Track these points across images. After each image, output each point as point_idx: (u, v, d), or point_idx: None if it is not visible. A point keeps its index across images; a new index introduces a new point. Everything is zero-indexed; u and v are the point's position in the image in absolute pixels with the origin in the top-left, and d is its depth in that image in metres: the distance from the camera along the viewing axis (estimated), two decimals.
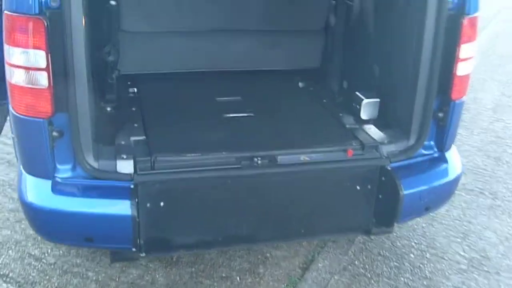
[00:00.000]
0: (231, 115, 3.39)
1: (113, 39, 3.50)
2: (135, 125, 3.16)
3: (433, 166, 3.17)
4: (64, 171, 2.76)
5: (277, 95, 3.76)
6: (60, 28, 2.48)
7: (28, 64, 2.51)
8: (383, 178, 2.94)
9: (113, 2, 3.39)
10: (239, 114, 3.41)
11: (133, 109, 3.42)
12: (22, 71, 2.53)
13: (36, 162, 2.75)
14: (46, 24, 2.44)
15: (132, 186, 2.70)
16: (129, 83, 3.75)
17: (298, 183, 2.92)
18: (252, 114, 3.42)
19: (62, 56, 2.51)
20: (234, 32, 3.73)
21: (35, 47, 2.48)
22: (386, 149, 3.04)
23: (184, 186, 2.81)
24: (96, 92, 3.37)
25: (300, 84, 3.99)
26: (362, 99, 3.34)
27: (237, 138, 3.09)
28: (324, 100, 3.67)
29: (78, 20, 2.51)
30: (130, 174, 2.72)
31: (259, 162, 2.85)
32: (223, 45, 3.74)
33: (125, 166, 2.75)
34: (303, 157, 2.94)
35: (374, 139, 3.10)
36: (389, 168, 2.96)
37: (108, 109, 3.45)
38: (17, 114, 2.63)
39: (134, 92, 3.69)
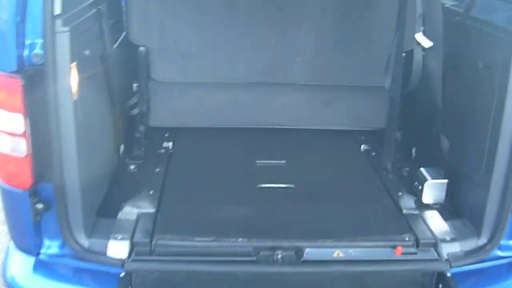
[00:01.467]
0: (267, 185, 2.87)
1: (141, 89, 3.11)
2: (151, 192, 2.73)
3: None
4: (51, 247, 2.39)
5: (331, 161, 3.18)
6: (43, 88, 2.09)
7: (5, 129, 2.15)
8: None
9: (142, 49, 2.99)
10: (277, 184, 2.88)
11: (157, 169, 2.99)
12: (0, 135, 2.18)
13: (19, 236, 2.40)
14: (23, 83, 2.06)
15: (122, 275, 2.25)
16: (161, 137, 3.33)
17: (328, 287, 2.33)
18: (291, 186, 2.87)
19: (45, 121, 2.12)
20: (280, 85, 3.21)
21: (12, 110, 2.11)
22: (447, 249, 2.39)
23: (186, 278, 2.32)
24: (124, 146, 3.01)
25: (363, 147, 3.37)
26: (426, 179, 2.69)
27: (261, 220, 2.56)
28: (385, 172, 3.02)
29: (64, 79, 2.12)
30: (121, 260, 2.27)
31: (280, 256, 2.31)
32: (267, 99, 3.24)
33: (118, 248, 2.31)
34: (337, 252, 2.35)
35: (433, 234, 2.44)
36: (449, 275, 2.30)
37: (132, 167, 3.05)
38: (0, 183, 2.29)
39: (164, 148, 3.26)
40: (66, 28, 2.11)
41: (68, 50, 2.12)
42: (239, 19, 2.97)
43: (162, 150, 3.25)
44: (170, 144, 3.30)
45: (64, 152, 2.19)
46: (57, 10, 2.11)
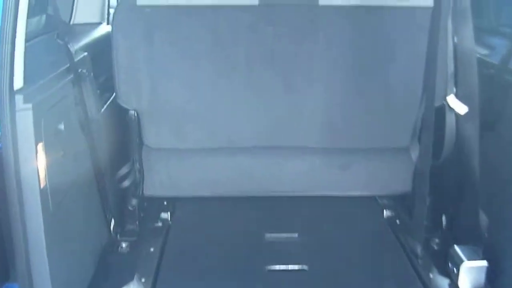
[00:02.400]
0: (277, 267, 2.48)
1: (134, 157, 2.75)
2: (143, 279, 2.36)
3: None
4: None
5: (350, 233, 2.79)
6: (1, 177, 1.76)
7: None
8: None
9: (132, 112, 2.65)
10: (289, 265, 2.49)
11: (152, 249, 2.61)
12: None
13: None
14: None
15: None
16: (157, 208, 2.96)
17: None
18: (305, 267, 2.47)
19: (6, 215, 1.78)
20: (289, 149, 2.83)
21: None
22: None
23: None
24: (115, 221, 2.66)
25: (386, 213, 2.97)
26: (462, 260, 2.28)
27: None
28: (412, 248, 2.61)
29: (27, 165, 1.78)
30: None
31: None
32: (275, 165, 2.86)
33: None
34: None
35: None
36: None
37: (124, 245, 2.67)
38: None
39: (161, 220, 2.88)
40: (28, 105, 1.77)
41: (32, 131, 1.78)
42: (240, 75, 2.59)
43: (159, 223, 2.87)
44: (168, 214, 2.94)
45: (32, 251, 1.83)
46: (18, 83, 1.78)
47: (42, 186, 1.85)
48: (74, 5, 3.37)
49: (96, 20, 3.42)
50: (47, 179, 1.89)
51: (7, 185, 1.76)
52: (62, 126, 2.07)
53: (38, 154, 1.82)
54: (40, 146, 1.84)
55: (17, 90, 1.76)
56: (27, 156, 1.78)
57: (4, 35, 1.70)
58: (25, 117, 1.77)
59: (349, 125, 2.71)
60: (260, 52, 2.52)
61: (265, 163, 2.84)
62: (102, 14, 3.48)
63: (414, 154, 2.57)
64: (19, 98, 1.75)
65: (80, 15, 3.43)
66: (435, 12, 2.13)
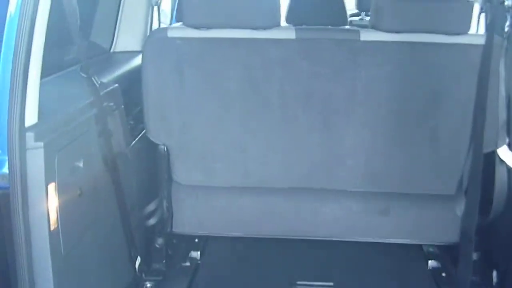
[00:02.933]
0: None
1: (162, 193, 2.64)
2: None
3: None
4: None
5: (391, 283, 2.58)
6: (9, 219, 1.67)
7: None
8: None
9: (162, 147, 2.54)
10: None
11: None
12: None
13: None
14: None
15: None
16: (187, 246, 2.84)
17: None
18: None
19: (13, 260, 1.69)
20: (325, 191, 2.64)
21: None
22: None
23: None
24: (141, 259, 2.55)
25: (431, 264, 2.74)
26: None
27: None
28: None
29: (36, 207, 1.69)
30: None
31: None
32: (309, 208, 2.68)
33: None
34: None
35: None
36: None
37: (148, 285, 2.57)
38: None
39: (190, 260, 2.75)
40: (39, 144, 1.68)
41: (42, 171, 1.68)
42: (273, 114, 2.43)
43: (187, 263, 2.74)
44: (198, 254, 2.80)
45: None
46: (31, 119, 1.69)
47: (52, 228, 1.75)
48: (115, 32, 3.33)
49: (137, 48, 3.36)
50: (59, 221, 1.79)
51: (14, 228, 1.67)
52: (81, 163, 1.98)
53: (49, 195, 1.72)
54: (52, 186, 1.74)
55: (29, 127, 1.67)
56: (36, 197, 1.69)
57: (16, 69, 1.61)
58: (35, 155, 1.67)
59: (391, 169, 2.51)
60: (295, 90, 2.36)
61: (299, 205, 2.67)
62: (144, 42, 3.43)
63: (459, 207, 2.34)
64: (30, 136, 1.66)
65: (121, 43, 3.40)
66: (486, 51, 1.92)
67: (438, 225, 2.68)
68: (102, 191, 2.20)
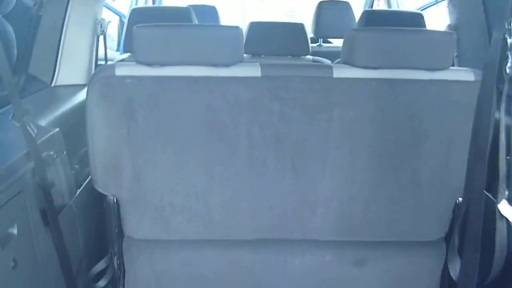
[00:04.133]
0: None
1: (112, 250, 2.33)
2: None
3: None
4: None
5: None
6: None
7: None
8: None
9: (111, 198, 2.24)
10: None
11: None
12: None
13: None
14: None
15: None
16: None
17: None
18: None
19: None
20: (296, 242, 2.39)
21: None
22: None
23: None
24: None
25: None
26: None
27: None
28: None
29: None
30: None
31: None
32: (279, 260, 2.41)
33: None
34: None
35: None
36: None
37: None
38: None
39: None
40: None
41: None
42: (239, 160, 2.14)
43: None
44: None
45: None
46: None
47: None
48: (57, 64, 3.01)
49: (81, 81, 3.05)
50: None
51: None
52: (14, 230, 1.66)
53: None
54: None
55: None
56: None
57: None
58: None
59: (367, 216, 2.28)
60: (264, 134, 2.09)
61: (268, 257, 2.40)
62: (89, 74, 3.11)
63: (454, 270, 2.11)
64: None
65: (64, 76, 3.07)
66: (485, 91, 1.70)
67: (418, 274, 2.46)
68: (42, 259, 1.88)
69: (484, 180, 1.72)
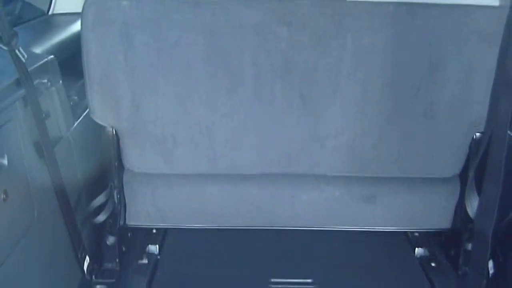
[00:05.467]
0: None
1: (112, 183, 2.25)
2: None
3: None
4: None
5: (373, 276, 2.29)
6: None
7: None
8: None
9: (110, 129, 2.13)
10: None
11: None
12: None
13: None
14: None
15: None
16: (143, 240, 2.47)
17: None
18: None
19: None
20: (304, 177, 2.29)
21: None
22: None
23: None
24: (91, 259, 2.18)
25: (418, 251, 2.46)
26: None
27: None
28: None
29: None
30: None
31: None
32: (285, 195, 2.33)
33: None
34: None
35: None
36: None
37: None
38: None
39: (149, 256, 2.40)
40: None
41: None
42: (245, 90, 2.01)
43: (144, 260, 2.38)
44: (156, 248, 2.44)
45: None
46: None
47: None
48: None
49: (80, 9, 2.89)
50: None
51: None
52: (4, 161, 1.57)
53: None
54: None
55: None
56: None
57: None
58: None
59: (379, 151, 2.17)
60: (271, 62, 1.95)
61: (274, 193, 2.31)
62: None
63: (471, 207, 2.02)
64: None
65: (62, 3, 2.92)
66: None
67: (430, 210, 2.38)
68: (37, 190, 1.80)
69: (510, 111, 1.59)
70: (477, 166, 2.07)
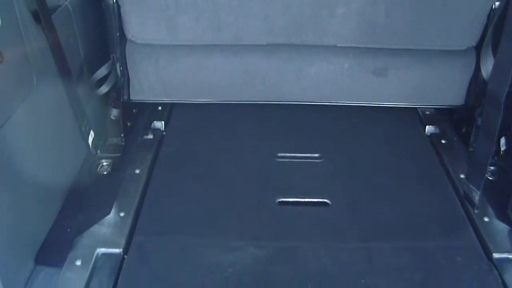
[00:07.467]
0: (290, 199, 1.98)
1: (114, 55, 2.18)
2: (121, 214, 1.89)
3: None
4: None
5: (381, 152, 2.26)
6: None
7: None
8: None
9: None
10: (306, 198, 1.99)
11: (137, 171, 2.11)
12: None
13: None
14: None
15: None
16: (149, 115, 2.44)
17: None
18: (327, 201, 1.97)
19: None
20: (312, 48, 2.20)
21: None
22: None
23: None
24: (95, 133, 2.16)
25: (428, 130, 2.41)
26: None
27: (281, 268, 1.70)
28: (462, 175, 2.08)
29: None
30: None
31: None
32: (294, 67, 2.26)
33: None
34: None
35: None
36: None
37: (104, 164, 2.19)
38: None
39: (153, 131, 2.37)
40: None
41: None
42: None
43: (150, 135, 2.36)
44: (162, 124, 2.41)
45: None
46: None
47: None
48: None
49: None
50: None
51: None
52: None
53: None
54: None
55: None
56: None
57: None
58: None
59: (392, 20, 2.06)
60: None
61: (281, 64, 2.24)
62: None
63: (486, 70, 1.93)
64: None
65: None
66: None
67: (444, 85, 2.31)
68: (35, 57, 1.73)
69: None
70: (494, 35, 1.97)
